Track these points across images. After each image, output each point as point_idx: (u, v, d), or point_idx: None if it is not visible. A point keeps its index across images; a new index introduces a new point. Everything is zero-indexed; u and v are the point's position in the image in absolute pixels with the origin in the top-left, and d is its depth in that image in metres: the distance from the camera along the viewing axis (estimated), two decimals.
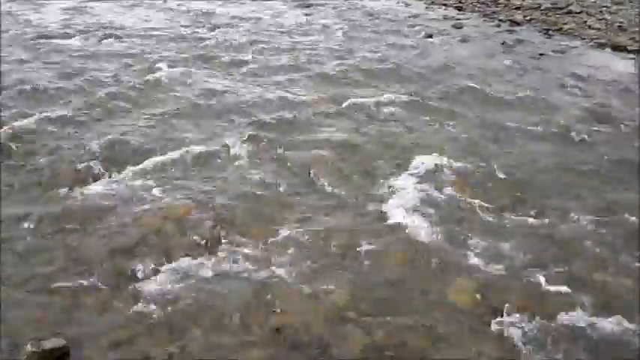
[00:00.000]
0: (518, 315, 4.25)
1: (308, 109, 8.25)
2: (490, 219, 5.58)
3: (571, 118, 8.55)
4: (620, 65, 11.86)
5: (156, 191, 5.77)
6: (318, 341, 3.96)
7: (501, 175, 6.44)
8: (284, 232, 5.16)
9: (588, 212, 5.72)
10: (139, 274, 4.54)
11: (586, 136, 7.75)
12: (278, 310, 4.22)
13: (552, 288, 4.58)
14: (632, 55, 12.58)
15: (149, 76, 9.46)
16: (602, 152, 7.29)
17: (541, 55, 12.43)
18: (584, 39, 14.12)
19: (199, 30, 13.72)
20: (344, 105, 8.35)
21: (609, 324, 4.19)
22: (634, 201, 5.97)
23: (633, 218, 5.61)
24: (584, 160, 7.04)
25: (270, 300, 4.32)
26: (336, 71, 10.14)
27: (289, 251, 4.91)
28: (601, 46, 13.45)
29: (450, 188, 6.02)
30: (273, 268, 4.68)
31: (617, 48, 13.21)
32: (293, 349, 3.90)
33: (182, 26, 14.10)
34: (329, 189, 6.01)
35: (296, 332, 4.02)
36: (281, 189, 5.97)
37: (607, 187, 6.35)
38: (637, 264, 4.95)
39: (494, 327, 4.17)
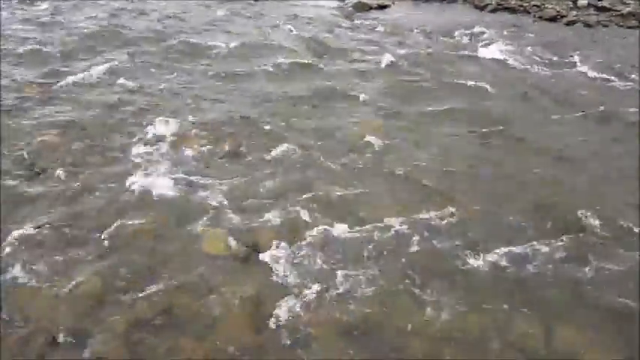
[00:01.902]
0: (273, 246, 4.56)
1: (20, 93, 7.38)
2: (230, 162, 5.81)
3: (293, 55, 9.12)
4: (327, 3, 12.87)
5: None
6: (78, 333, 3.76)
7: (234, 118, 6.69)
8: (18, 232, 4.66)
9: (320, 133, 6.38)
10: None
11: (312, 68, 8.45)
12: (27, 317, 3.87)
13: (299, 213, 4.99)
14: None
15: None
16: (328, 80, 8.07)
17: (256, 0, 12.85)
18: None
19: None
20: (61, 83, 7.65)
21: (358, 233, 4.77)
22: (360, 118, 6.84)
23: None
24: (311, 88, 7.72)
25: (11, 309, 3.93)
26: (44, 46, 9.15)
27: (29, 251, 4.48)
28: None
29: (187, 143, 6.07)
30: (11, 273, 4.23)
31: None
32: (52, 351, 3.64)
33: None
34: (64, 175, 5.54)
35: (51, 333, 3.75)
36: (8, 185, 5.34)
37: (335, 107, 7.09)
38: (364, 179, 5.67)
39: (253, 264, 4.41)
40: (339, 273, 4.33)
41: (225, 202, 5.10)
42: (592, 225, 5.02)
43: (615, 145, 6.62)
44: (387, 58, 8.95)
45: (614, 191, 5.60)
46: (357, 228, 4.83)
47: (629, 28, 11.41)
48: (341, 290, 4.18)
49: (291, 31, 10.52)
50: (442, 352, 3.76)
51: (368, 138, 6.34)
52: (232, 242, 4.60)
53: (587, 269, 4.54)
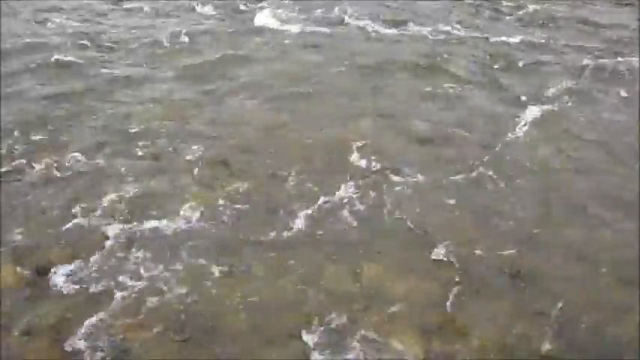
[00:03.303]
0: (70, 262, 4.22)
1: None
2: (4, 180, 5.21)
3: (63, 51, 8.33)
4: None
5: None
6: None
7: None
8: None
9: (108, 130, 5.98)
10: None
11: (87, 61, 7.87)
12: None
13: (93, 219, 4.68)
14: None
15: None
16: (107, 71, 7.51)
17: None
18: None
19: None
20: None
21: (162, 227, 4.61)
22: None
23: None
24: (91, 82, 7.24)
25: None
26: None
27: None
28: None
29: None
30: None
31: None
32: None
33: None
34: None
35: None
36: None
37: (121, 99, 6.64)
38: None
39: (51, 287, 4.04)
40: (147, 271, 4.16)
41: (4, 227, 4.57)
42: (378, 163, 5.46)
43: (388, 86, 7.24)
44: (165, 40, 8.66)
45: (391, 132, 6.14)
46: (161, 222, 4.66)
47: None
48: (152, 288, 4.03)
49: (59, 24, 9.61)
50: (262, 321, 3.82)
51: (162, 123, 6.16)
52: (21, 270, 4.14)
53: (385, 206, 4.94)
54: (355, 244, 4.50)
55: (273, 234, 4.57)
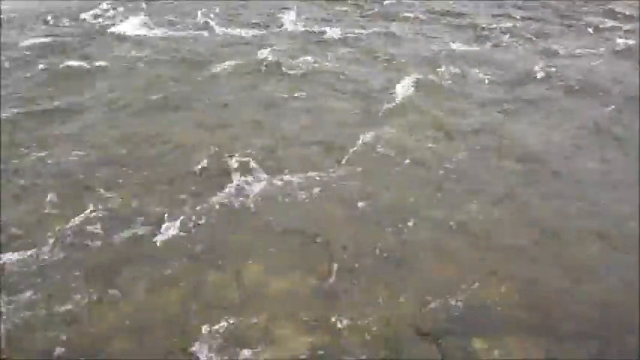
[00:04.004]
0: None
1: None
2: None
3: None
4: None
5: None
6: None
7: None
8: None
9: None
10: None
11: None
12: None
13: None
14: None
15: None
16: None
17: None
18: None
19: None
20: None
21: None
22: None
23: None
24: None
25: None
26: None
27: None
28: None
29: None
30: None
31: None
32: None
33: None
34: None
35: None
36: None
37: None
38: None
39: None
40: (14, 306, 3.88)
41: None
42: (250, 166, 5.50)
43: (256, 90, 7.29)
44: (16, 53, 8.10)
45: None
46: (25, 253, 4.35)
47: None
48: (22, 324, 3.76)
49: None
50: (146, 341, 3.68)
51: (16, 143, 5.81)
52: None
53: (262, 208, 4.97)
54: (234, 248, 4.48)
55: (148, 248, 4.44)
